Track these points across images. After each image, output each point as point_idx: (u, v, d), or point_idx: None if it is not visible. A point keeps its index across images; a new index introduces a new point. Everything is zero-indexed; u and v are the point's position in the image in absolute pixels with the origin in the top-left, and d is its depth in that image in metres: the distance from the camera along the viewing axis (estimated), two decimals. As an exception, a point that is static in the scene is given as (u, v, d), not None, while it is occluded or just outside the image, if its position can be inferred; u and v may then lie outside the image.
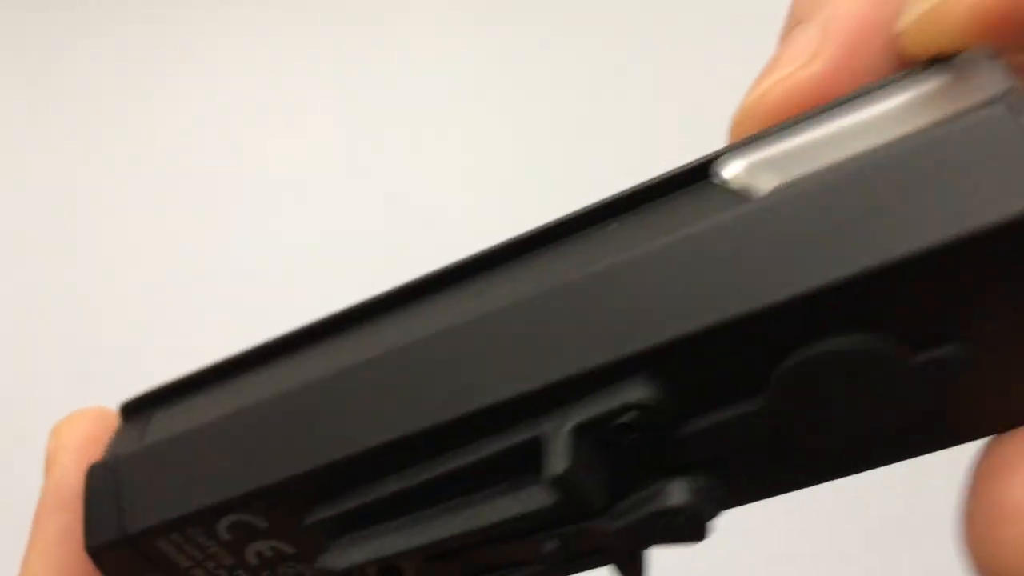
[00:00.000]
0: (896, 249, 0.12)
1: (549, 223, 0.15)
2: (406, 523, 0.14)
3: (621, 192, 0.15)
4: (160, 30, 0.83)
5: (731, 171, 0.14)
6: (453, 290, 0.16)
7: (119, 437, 0.18)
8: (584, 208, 0.15)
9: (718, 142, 0.15)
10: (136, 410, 0.19)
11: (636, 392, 0.13)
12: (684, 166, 0.14)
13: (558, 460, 0.13)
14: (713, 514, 0.14)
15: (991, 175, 0.12)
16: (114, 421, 0.19)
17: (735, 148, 0.14)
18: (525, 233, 0.15)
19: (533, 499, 0.13)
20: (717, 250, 0.13)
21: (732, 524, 0.25)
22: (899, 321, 0.12)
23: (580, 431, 0.13)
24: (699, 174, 0.14)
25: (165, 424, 0.17)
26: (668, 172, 0.14)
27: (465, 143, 0.78)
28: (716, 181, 0.14)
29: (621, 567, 0.14)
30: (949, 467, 0.23)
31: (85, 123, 0.80)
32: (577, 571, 0.15)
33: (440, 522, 0.14)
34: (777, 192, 0.13)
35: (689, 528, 0.13)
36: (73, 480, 0.18)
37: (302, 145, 0.79)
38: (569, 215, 0.15)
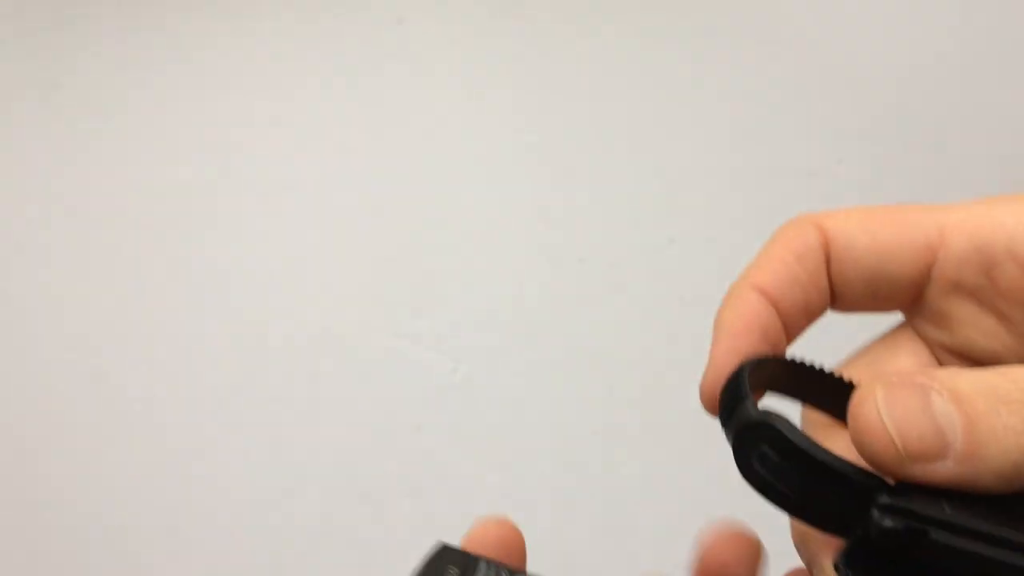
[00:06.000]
0: None
1: None
2: None
3: None
4: (180, 43, 0.83)
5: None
6: None
7: None
8: None
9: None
10: None
11: None
12: None
13: None
14: None
15: None
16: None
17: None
18: None
19: None
20: None
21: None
22: None
23: None
24: None
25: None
26: None
27: (470, 149, 0.78)
28: None
29: None
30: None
31: (98, 134, 0.80)
32: None
33: None
34: None
35: None
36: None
37: (308, 151, 0.79)
38: None
